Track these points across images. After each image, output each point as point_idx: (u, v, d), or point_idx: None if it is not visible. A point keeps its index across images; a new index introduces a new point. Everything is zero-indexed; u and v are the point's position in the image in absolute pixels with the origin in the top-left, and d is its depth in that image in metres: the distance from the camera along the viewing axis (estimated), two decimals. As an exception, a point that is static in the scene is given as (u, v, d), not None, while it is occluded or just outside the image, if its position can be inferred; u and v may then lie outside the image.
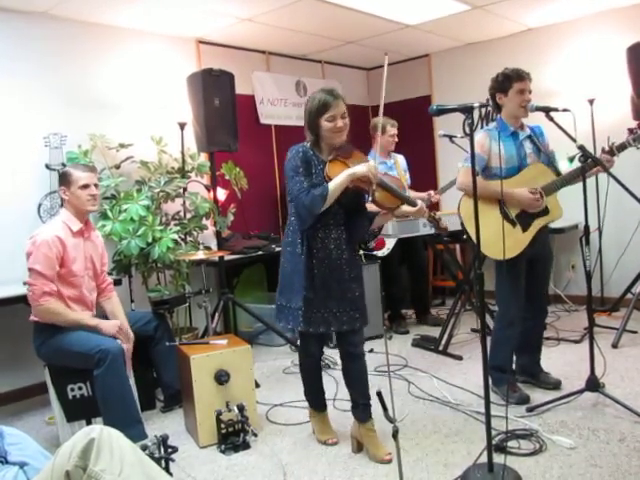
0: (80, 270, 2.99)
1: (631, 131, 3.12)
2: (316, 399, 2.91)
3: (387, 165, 4.76)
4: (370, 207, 2.68)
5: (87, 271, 3.06)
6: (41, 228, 2.99)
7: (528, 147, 3.14)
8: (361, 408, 2.72)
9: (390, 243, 4.63)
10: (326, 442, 2.82)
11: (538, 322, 3.31)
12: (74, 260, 2.95)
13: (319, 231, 2.57)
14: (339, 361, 2.91)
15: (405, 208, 2.59)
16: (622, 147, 3.01)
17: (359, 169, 2.44)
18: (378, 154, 4.79)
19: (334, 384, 3.51)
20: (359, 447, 2.72)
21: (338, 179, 2.45)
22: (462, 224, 3.06)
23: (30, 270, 2.83)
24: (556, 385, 3.24)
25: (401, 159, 4.93)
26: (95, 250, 3.14)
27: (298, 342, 2.95)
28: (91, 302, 3.10)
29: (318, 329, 2.60)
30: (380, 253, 4.64)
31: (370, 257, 4.57)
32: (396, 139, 4.79)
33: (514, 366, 3.32)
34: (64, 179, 3.00)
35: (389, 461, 2.57)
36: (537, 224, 3.08)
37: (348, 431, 2.82)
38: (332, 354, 3.87)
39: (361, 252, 4.55)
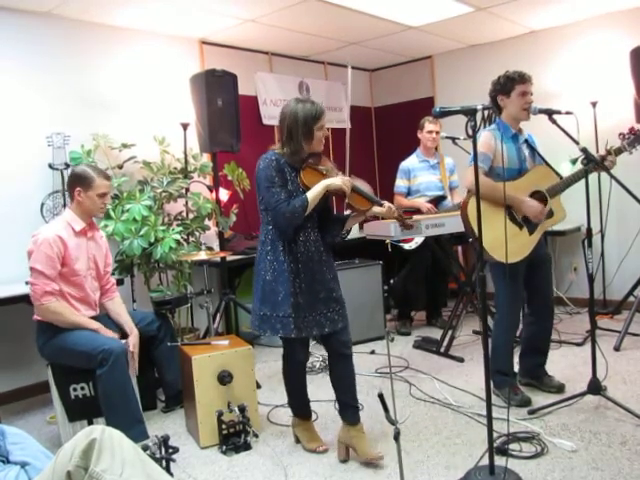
0: (82, 269, 2.99)
1: (623, 136, 3.12)
2: (303, 407, 2.87)
3: (429, 164, 4.65)
4: None
5: (90, 271, 3.06)
6: (43, 227, 2.99)
7: (525, 150, 3.15)
8: (352, 411, 2.69)
9: (419, 238, 4.46)
10: (316, 450, 2.77)
11: (545, 326, 3.27)
12: (76, 259, 2.95)
13: (300, 235, 2.59)
14: None
15: (375, 209, 2.69)
16: (619, 151, 3.03)
17: (335, 182, 2.53)
18: (421, 152, 4.74)
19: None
20: (347, 453, 2.68)
21: (315, 190, 2.52)
22: (466, 226, 3.00)
23: (31, 269, 2.83)
24: (560, 389, 3.23)
25: (448, 160, 4.75)
26: (99, 251, 3.15)
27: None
28: (94, 302, 3.10)
29: (311, 332, 2.59)
30: (407, 246, 4.58)
31: (396, 248, 4.55)
32: (434, 136, 4.56)
33: (517, 368, 3.32)
34: (83, 181, 2.95)
35: (381, 458, 2.56)
36: (543, 227, 3.08)
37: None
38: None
39: (387, 241, 4.53)
